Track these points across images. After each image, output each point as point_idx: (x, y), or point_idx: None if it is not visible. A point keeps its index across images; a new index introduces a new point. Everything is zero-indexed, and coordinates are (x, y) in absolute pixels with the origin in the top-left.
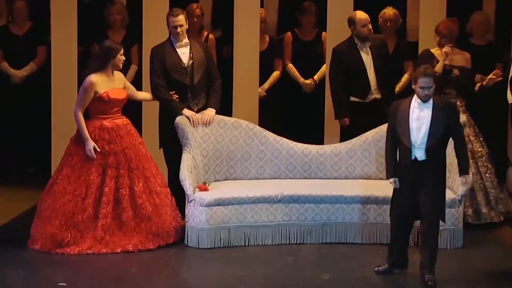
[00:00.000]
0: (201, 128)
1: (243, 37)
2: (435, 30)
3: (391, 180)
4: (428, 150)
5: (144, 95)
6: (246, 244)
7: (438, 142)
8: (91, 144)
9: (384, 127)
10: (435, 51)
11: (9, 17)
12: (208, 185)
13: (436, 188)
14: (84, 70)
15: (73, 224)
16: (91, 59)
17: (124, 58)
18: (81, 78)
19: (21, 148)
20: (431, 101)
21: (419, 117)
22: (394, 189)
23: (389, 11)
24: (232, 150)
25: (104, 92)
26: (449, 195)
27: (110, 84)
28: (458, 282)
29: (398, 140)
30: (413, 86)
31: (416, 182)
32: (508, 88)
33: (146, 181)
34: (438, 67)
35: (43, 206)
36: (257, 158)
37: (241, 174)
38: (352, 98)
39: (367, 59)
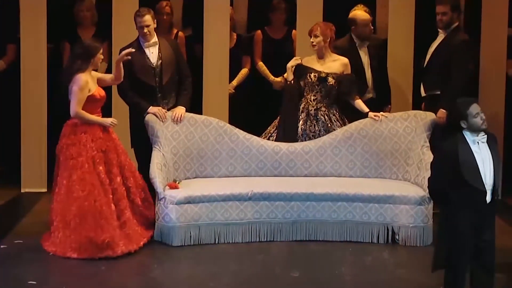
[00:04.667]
0: (171, 125)
1: (213, 35)
2: (308, 33)
3: None
4: (493, 191)
5: (110, 75)
6: (217, 242)
7: (498, 178)
8: (107, 120)
9: (354, 125)
10: (309, 59)
11: None
12: (178, 183)
13: (494, 229)
14: (65, 70)
15: (103, 218)
16: (71, 59)
17: (102, 57)
18: (51, 76)
19: None
20: (485, 136)
21: (483, 157)
22: (454, 236)
23: (359, 9)
24: (202, 148)
25: (95, 91)
26: (419, 192)
27: (94, 82)
28: (430, 278)
29: (459, 183)
30: (463, 124)
31: (478, 227)
32: None
33: (132, 177)
34: (289, 76)
35: (68, 216)
36: (228, 155)
37: (212, 172)
38: None
39: (365, 58)
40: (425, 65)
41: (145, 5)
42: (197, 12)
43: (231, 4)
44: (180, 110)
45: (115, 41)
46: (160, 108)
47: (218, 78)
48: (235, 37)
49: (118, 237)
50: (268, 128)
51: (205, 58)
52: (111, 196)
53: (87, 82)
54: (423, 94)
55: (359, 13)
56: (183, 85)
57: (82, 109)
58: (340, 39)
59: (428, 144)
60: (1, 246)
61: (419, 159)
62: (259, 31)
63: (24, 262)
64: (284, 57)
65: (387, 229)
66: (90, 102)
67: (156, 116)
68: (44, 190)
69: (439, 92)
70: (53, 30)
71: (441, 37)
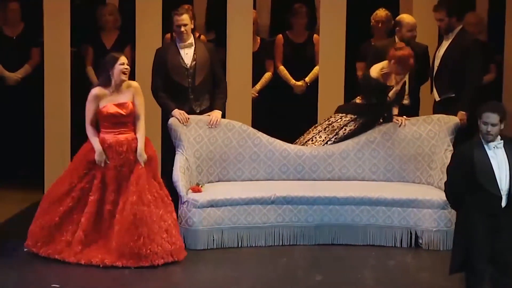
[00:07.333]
0: (194, 129)
1: (236, 39)
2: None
3: None
4: (509, 196)
5: (140, 130)
6: (239, 246)
7: None
8: (96, 154)
9: (377, 129)
10: (379, 72)
11: None
12: (201, 186)
13: (511, 232)
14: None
15: (49, 225)
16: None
17: (125, 68)
18: (75, 79)
19: (12, 149)
20: (501, 141)
21: (499, 162)
22: (470, 240)
23: (381, 12)
24: (225, 152)
25: (104, 106)
26: (442, 196)
27: (115, 97)
28: (453, 282)
29: (474, 187)
30: (479, 124)
31: (494, 230)
32: None
33: (127, 198)
34: (392, 93)
35: None
36: (250, 159)
37: (234, 176)
38: None
39: None
40: (435, 70)
41: (168, 9)
42: (220, 16)
43: (254, 8)
44: (217, 114)
45: (138, 45)
46: (182, 112)
47: (242, 82)
48: (258, 41)
49: (35, 236)
50: (304, 135)
51: (228, 62)
52: (69, 203)
53: (95, 96)
54: (437, 98)
55: (406, 16)
56: (218, 89)
57: (100, 122)
58: (384, 40)
59: (451, 148)
60: (25, 249)
61: (442, 163)
62: (280, 35)
63: (47, 265)
64: (305, 61)
65: (410, 233)
66: (101, 117)
67: (178, 120)
68: None
69: (453, 95)
70: (76, 34)
71: (447, 41)
